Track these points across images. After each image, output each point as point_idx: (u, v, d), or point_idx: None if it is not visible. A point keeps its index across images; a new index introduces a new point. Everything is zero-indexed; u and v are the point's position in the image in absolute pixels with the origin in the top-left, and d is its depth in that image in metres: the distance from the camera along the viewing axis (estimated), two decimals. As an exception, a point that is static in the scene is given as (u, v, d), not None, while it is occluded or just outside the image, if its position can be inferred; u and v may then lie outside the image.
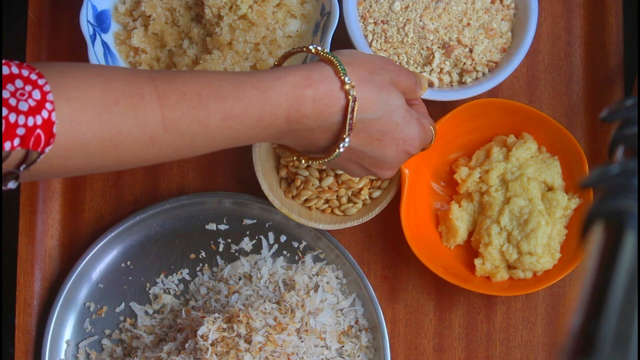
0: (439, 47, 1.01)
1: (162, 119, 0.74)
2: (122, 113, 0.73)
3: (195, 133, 0.76)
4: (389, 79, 0.84)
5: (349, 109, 0.80)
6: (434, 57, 1.01)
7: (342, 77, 0.80)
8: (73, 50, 1.08)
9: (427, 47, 1.01)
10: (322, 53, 0.81)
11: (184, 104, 0.75)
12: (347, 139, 0.81)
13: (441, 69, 1.02)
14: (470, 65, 1.01)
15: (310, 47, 0.83)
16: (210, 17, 1.00)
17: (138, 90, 0.73)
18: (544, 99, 1.06)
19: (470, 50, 1.01)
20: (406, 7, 1.02)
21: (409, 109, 0.86)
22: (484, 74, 1.02)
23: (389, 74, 0.84)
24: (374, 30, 1.02)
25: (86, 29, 1.00)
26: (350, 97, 0.79)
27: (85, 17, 1.00)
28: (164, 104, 0.74)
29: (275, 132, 0.80)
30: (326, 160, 0.83)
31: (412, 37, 1.01)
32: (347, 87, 0.79)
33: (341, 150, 0.82)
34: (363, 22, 1.03)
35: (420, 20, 1.01)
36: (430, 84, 1.02)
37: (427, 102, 1.00)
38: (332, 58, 0.81)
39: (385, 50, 1.02)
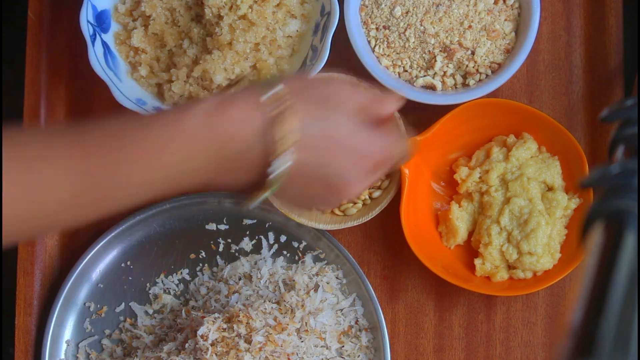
0: (440, 51, 1.01)
1: (75, 174, 0.70)
2: (34, 177, 0.69)
3: (111, 185, 0.72)
4: (331, 93, 0.78)
5: (275, 125, 0.74)
6: (435, 60, 1.01)
7: (262, 96, 0.74)
8: (73, 50, 1.08)
9: (429, 51, 1.01)
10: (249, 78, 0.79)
11: (94, 157, 0.71)
12: (284, 156, 0.75)
13: (444, 72, 1.02)
14: (473, 67, 1.01)
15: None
16: (210, 17, 1.00)
17: (50, 152, 0.70)
18: (544, 99, 1.06)
19: (473, 53, 1.01)
20: (407, 12, 1.02)
21: (361, 121, 0.79)
22: (487, 75, 1.02)
23: (332, 87, 0.78)
24: (376, 35, 1.03)
25: (86, 29, 1.00)
26: (274, 112, 0.74)
27: (85, 17, 1.00)
28: (73, 155, 0.70)
29: (204, 165, 0.74)
30: (274, 188, 0.76)
31: (413, 42, 1.01)
32: (267, 105, 0.74)
33: (283, 169, 0.75)
34: (365, 28, 1.03)
35: (421, 25, 1.01)
36: (433, 88, 1.02)
37: (430, 105, 1.00)
38: (257, 81, 0.77)
39: (388, 56, 1.02)
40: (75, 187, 0.70)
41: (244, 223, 1.06)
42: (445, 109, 1.01)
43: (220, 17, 1.00)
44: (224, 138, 0.74)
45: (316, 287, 1.02)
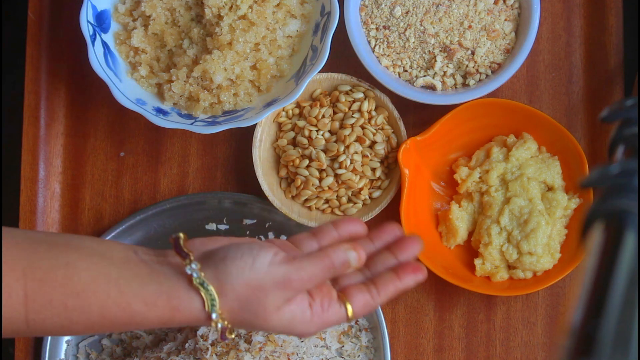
0: (440, 51, 1.01)
1: (26, 319, 0.75)
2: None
3: (59, 332, 0.78)
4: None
5: (218, 332, 0.78)
6: (435, 60, 1.01)
7: (210, 312, 0.77)
8: (73, 50, 1.08)
9: (429, 51, 1.01)
10: (195, 281, 0.77)
11: (49, 311, 0.75)
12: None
13: (444, 72, 1.02)
14: (473, 67, 1.01)
15: (187, 269, 0.77)
16: (210, 17, 1.00)
17: (6, 288, 0.74)
18: (544, 99, 1.06)
19: (473, 53, 1.01)
20: (407, 12, 1.02)
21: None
22: (487, 75, 1.02)
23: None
24: (376, 36, 1.02)
25: (86, 29, 1.00)
26: (217, 329, 0.78)
27: (85, 17, 1.00)
28: (29, 307, 0.75)
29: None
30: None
31: (413, 42, 1.01)
32: (213, 321, 0.78)
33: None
34: (365, 28, 1.03)
35: (421, 25, 1.01)
36: (433, 88, 1.02)
37: (430, 105, 1.00)
38: (203, 290, 0.77)
39: (388, 56, 1.02)
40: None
41: (244, 223, 1.06)
42: (445, 109, 1.01)
43: (220, 17, 1.00)
44: (169, 328, 0.80)
45: (316, 287, 1.02)
